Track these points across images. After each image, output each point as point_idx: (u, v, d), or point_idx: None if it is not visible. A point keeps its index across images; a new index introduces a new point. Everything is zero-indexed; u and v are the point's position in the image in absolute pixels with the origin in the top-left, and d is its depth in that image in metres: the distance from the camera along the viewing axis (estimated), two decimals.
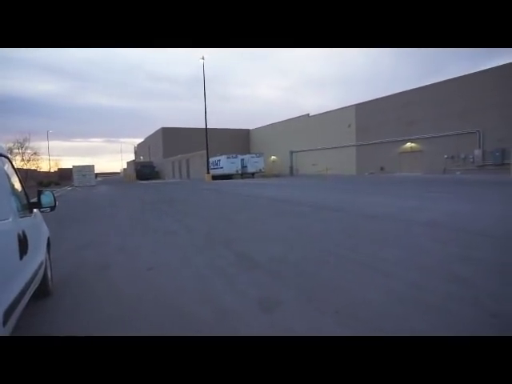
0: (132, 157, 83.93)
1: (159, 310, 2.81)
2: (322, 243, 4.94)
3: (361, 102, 36.10)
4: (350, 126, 36.48)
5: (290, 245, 4.93)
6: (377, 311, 2.60)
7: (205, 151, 38.03)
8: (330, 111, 39.90)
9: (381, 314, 2.55)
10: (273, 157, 49.47)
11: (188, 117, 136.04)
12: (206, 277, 3.65)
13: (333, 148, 38.70)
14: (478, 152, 24.63)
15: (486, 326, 2.30)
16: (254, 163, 39.61)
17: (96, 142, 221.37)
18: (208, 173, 36.65)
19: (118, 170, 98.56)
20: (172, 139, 55.26)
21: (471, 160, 25.06)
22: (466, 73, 26.77)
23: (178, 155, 51.61)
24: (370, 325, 2.39)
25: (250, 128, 58.76)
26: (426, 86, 29.23)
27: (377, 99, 33.91)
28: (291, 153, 44.07)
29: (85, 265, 4.33)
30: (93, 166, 35.22)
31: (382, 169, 32.64)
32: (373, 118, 33.80)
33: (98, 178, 53.91)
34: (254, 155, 41.03)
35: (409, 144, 30.29)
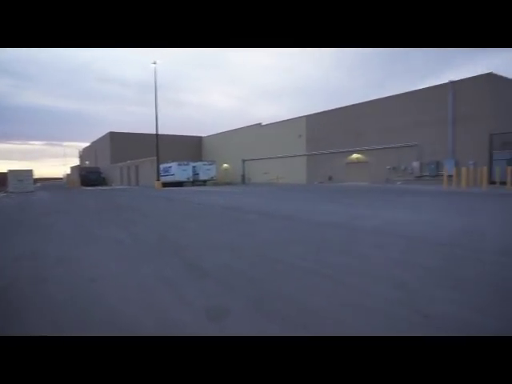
0: (76, 162, 79.64)
1: (102, 324, 2.64)
2: (271, 251, 4.99)
3: (311, 113, 37.29)
4: (300, 136, 37.51)
5: (239, 253, 4.92)
6: (323, 316, 2.65)
7: (155, 157, 37.04)
8: (282, 121, 40.78)
9: (327, 318, 2.61)
10: (225, 165, 49.46)
11: (138, 122, 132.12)
12: (153, 287, 3.52)
13: (284, 157, 39.51)
14: (416, 164, 26.46)
15: (417, 325, 2.44)
16: (206, 171, 39.28)
17: (36, 144, 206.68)
18: (158, 180, 35.68)
19: (61, 176, 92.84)
20: (120, 144, 53.21)
21: (410, 171, 26.86)
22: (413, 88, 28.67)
23: (127, 161, 49.77)
24: (316, 328, 2.43)
25: (203, 135, 58.32)
26: (371, 100, 30.95)
27: (326, 111, 35.26)
28: (243, 161, 44.33)
29: (19, 278, 3.99)
30: (31, 170, 32.84)
31: (330, 178, 33.87)
32: (322, 129, 35.07)
33: (38, 184, 50.37)
34: (206, 163, 40.72)
35: (355, 155, 31.77)
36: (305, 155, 37.18)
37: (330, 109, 34.85)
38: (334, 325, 2.51)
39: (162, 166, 38.45)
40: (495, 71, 24.00)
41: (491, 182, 21.18)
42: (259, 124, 44.73)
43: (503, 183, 19.36)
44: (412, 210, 9.79)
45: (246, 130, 46.33)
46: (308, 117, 37.14)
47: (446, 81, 25.57)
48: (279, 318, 2.64)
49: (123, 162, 51.03)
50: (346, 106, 32.99)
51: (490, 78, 23.70)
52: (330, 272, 3.83)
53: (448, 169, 22.69)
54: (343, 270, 3.89)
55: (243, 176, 44.15)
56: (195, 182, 38.16)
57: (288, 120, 39.81)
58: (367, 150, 30.57)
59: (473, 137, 23.68)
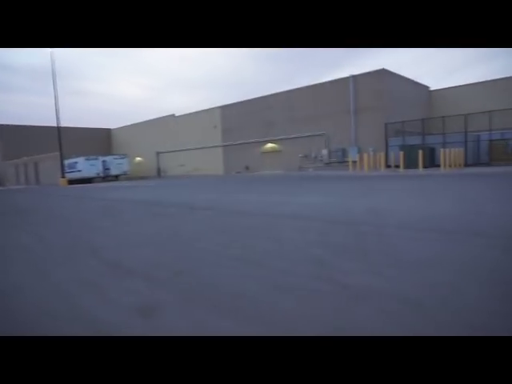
0: None
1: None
2: (196, 242, 5.00)
3: (226, 104, 37.46)
4: (215, 127, 37.51)
5: (162, 247, 4.83)
6: (255, 299, 2.78)
7: (58, 153, 33.75)
8: (197, 112, 40.27)
9: (259, 301, 2.75)
10: (138, 158, 47.23)
11: (35, 114, 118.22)
12: (72, 292, 3.30)
13: (200, 148, 39.18)
14: (325, 151, 28.48)
15: (339, 295, 2.72)
16: (117, 165, 37.09)
17: None
18: (63, 177, 32.67)
19: None
20: (14, 139, 47.30)
21: (320, 158, 28.82)
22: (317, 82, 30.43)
23: (23, 158, 44.49)
24: (249, 313, 2.55)
25: (112, 127, 54.72)
26: (282, 92, 32.22)
27: (240, 102, 35.74)
28: (158, 154, 42.81)
29: None
30: None
31: (247, 168, 34.60)
32: (237, 119, 35.52)
33: None
34: (117, 156, 38.41)
35: (270, 145, 32.91)
36: (221, 146, 37.34)
37: (243, 100, 35.39)
38: (267, 305, 2.65)
39: (66, 162, 35.23)
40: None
41: (388, 166, 23.80)
42: (173, 115, 43.54)
43: (397, 166, 21.90)
44: (324, 195, 10.57)
45: (160, 121, 44.74)
46: (222, 107, 37.25)
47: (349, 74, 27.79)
48: (211, 306, 2.70)
49: (19, 158, 45.51)
50: (259, 97, 33.86)
51: (384, 73, 26.39)
52: (257, 257, 4.00)
53: (352, 155, 24.88)
54: (268, 254, 4.09)
55: (158, 169, 42.73)
56: (106, 177, 35.78)
57: (202, 111, 39.45)
58: (280, 139, 31.89)
59: (372, 126, 26.26)
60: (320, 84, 29.20)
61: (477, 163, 23.20)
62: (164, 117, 44.16)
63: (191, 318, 2.52)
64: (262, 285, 3.08)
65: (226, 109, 36.75)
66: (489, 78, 30.09)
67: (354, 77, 27.08)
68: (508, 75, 29.16)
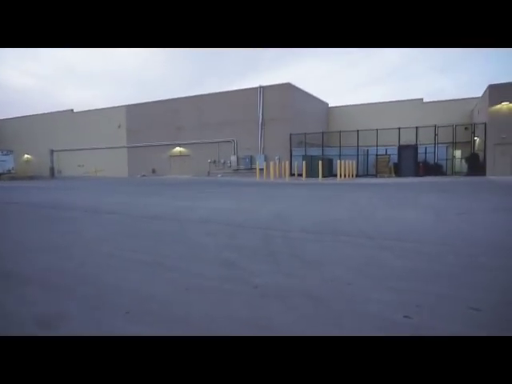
0: None
1: None
2: (101, 247, 4.73)
3: (132, 103, 35.75)
4: (120, 126, 35.50)
5: (65, 253, 4.47)
6: (166, 301, 2.78)
7: None
8: (99, 109, 37.60)
9: (171, 303, 2.75)
10: (27, 155, 42.08)
11: None
12: None
13: (103, 148, 36.60)
14: (233, 158, 29.08)
15: (251, 296, 2.89)
16: (0, 162, 32.55)
17: None
18: None
19: None
20: None
21: (229, 165, 29.34)
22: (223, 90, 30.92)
23: None
24: (160, 317, 2.55)
25: None
26: (194, 96, 32.02)
27: (148, 102, 34.46)
28: (52, 152, 38.67)
29: None
30: None
31: (153, 171, 33.42)
32: (144, 120, 34.13)
33: None
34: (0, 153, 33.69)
35: (178, 148, 32.34)
36: (126, 147, 35.43)
37: (151, 100, 34.21)
38: (178, 307, 2.68)
39: None
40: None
41: (292, 174, 25.36)
42: (71, 110, 39.89)
43: (300, 175, 23.48)
44: (233, 200, 10.84)
45: (55, 116, 40.58)
46: (128, 107, 35.46)
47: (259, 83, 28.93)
48: (119, 310, 2.62)
49: None
50: (168, 99, 33.11)
51: (289, 87, 28.13)
52: (168, 261, 3.96)
53: (259, 163, 25.89)
54: (178, 258, 4.09)
55: (52, 169, 38.61)
56: None
57: (106, 108, 37.00)
58: (189, 143, 31.59)
59: (278, 136, 27.71)
60: (231, 92, 29.88)
61: (366, 174, 26.22)
62: (60, 112, 40.17)
63: (99, 324, 2.42)
64: (175, 288, 3.09)
65: (132, 108, 35.07)
66: (380, 100, 34.58)
67: (262, 88, 28.38)
68: (394, 99, 33.92)
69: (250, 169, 27.81)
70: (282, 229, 5.82)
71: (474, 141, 25.68)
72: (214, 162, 29.99)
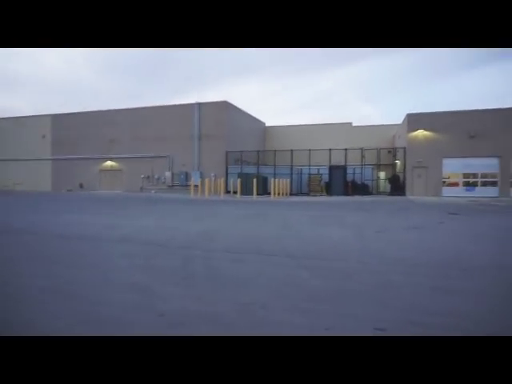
0: None
1: None
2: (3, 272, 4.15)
3: (59, 112, 33.43)
4: (44, 136, 32.90)
5: None
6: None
7: None
8: (21, 117, 34.58)
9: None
10: None
11: None
12: None
13: (23, 160, 33.52)
14: (168, 174, 28.30)
15: (153, 326, 2.65)
16: None
17: None
18: None
19: None
20: None
21: (163, 181, 28.46)
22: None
23: None
24: None
25: None
26: (127, 108, 30.83)
27: (77, 113, 32.49)
28: None
29: None
30: None
31: (81, 186, 31.30)
32: (72, 131, 32.02)
33: None
34: None
35: (109, 162, 30.71)
36: (50, 159, 32.82)
37: (81, 111, 32.29)
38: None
39: None
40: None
41: (227, 192, 25.29)
42: None
43: (235, 192, 23.50)
44: (161, 218, 10.40)
45: None
46: (54, 116, 33.08)
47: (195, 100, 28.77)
48: None
49: None
50: (100, 111, 31.52)
51: (226, 105, 28.37)
52: (69, 288, 3.56)
53: (194, 179, 25.49)
54: (84, 284, 3.69)
55: None
56: None
57: (29, 117, 34.12)
58: (122, 157, 30.18)
59: (214, 153, 27.61)
60: (168, 106, 29.29)
61: (299, 193, 27.08)
62: None
63: None
64: (69, 320, 2.74)
65: (58, 118, 32.70)
66: (313, 123, 36.36)
67: (199, 104, 28.28)
68: (324, 122, 35.91)
69: (185, 185, 27.23)
70: (206, 248, 5.63)
71: (396, 163, 27.92)
72: (148, 177, 28.89)
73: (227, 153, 27.71)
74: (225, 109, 28.19)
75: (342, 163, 26.45)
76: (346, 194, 24.57)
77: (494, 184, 22.88)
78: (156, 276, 4.00)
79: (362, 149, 27.21)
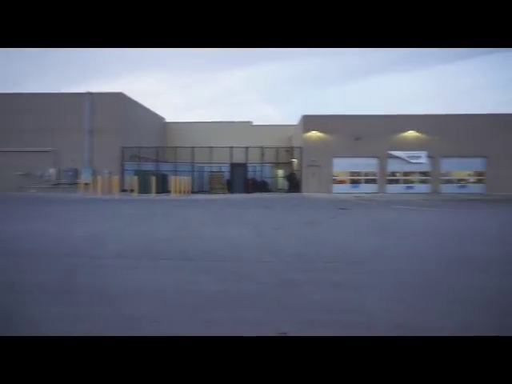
0: None
1: None
2: None
3: None
4: None
5: None
6: None
7: None
8: None
9: None
10: None
11: None
12: None
13: None
14: (52, 170, 25.18)
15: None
16: None
17: None
18: None
19: None
20: None
21: (47, 178, 25.21)
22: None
23: None
24: None
25: None
26: (2, 94, 26.51)
27: None
28: None
29: None
30: None
31: None
32: None
33: None
34: None
35: None
36: None
37: None
38: None
39: None
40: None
41: (123, 190, 23.60)
42: None
43: (132, 190, 22.05)
44: (41, 221, 9.06)
45: None
46: None
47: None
48: None
49: None
50: None
51: (122, 97, 26.44)
52: None
53: (85, 177, 23.19)
54: None
55: None
56: None
57: None
58: None
59: (108, 148, 25.48)
60: (54, 94, 25.93)
61: (201, 191, 26.68)
62: None
63: None
64: None
65: None
66: (215, 120, 36.11)
67: (91, 94, 25.67)
68: (227, 120, 36.07)
69: (75, 183, 24.52)
70: (95, 255, 4.98)
71: (293, 162, 29.53)
72: (27, 174, 25.22)
73: (123, 148, 25.89)
74: (120, 101, 26.25)
75: (243, 161, 26.92)
76: (247, 191, 25.08)
77: (374, 181, 25.80)
78: (24, 293, 3.32)
79: (261, 147, 28.08)
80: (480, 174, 25.47)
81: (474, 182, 25.73)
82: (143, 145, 27.44)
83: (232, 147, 27.38)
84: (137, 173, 22.90)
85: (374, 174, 25.80)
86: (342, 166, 25.90)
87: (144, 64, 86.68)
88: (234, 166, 26.29)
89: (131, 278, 3.93)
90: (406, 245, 5.97)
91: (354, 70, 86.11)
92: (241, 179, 25.81)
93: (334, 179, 26.01)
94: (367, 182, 25.95)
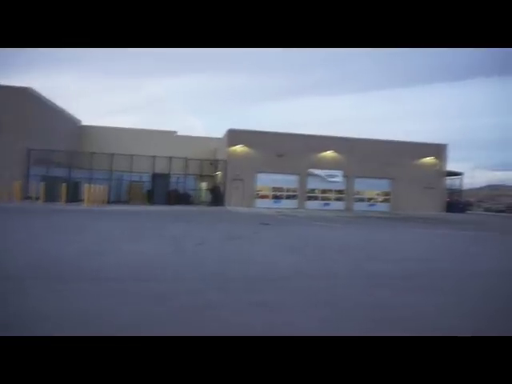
0: None
1: None
2: None
3: None
4: None
5: None
6: None
7: None
8: None
9: None
10: None
11: None
12: None
13: None
14: None
15: None
16: None
17: None
18: None
19: None
20: None
21: None
22: None
23: None
24: None
25: None
26: None
27: None
28: None
29: None
30: None
31: None
32: None
33: None
34: None
35: None
36: None
37: None
38: None
39: None
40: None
41: (28, 197, 21.09)
42: None
43: (37, 198, 19.81)
44: None
45: None
46: None
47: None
48: None
49: None
50: None
51: (29, 93, 23.90)
52: None
53: None
54: None
55: None
56: None
57: None
58: None
59: (10, 149, 22.64)
60: None
61: (118, 201, 24.97)
62: None
63: None
64: None
65: None
66: (137, 127, 34.29)
67: None
68: (149, 128, 34.54)
69: None
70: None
71: (217, 175, 29.37)
72: None
73: (29, 151, 23.26)
74: (27, 97, 23.63)
75: (166, 171, 26.02)
76: (169, 203, 24.19)
77: (294, 197, 26.82)
78: None
79: (185, 158, 27.46)
80: (386, 194, 28.10)
81: (381, 201, 28.25)
82: (55, 148, 24.97)
83: (155, 156, 26.35)
84: (44, 178, 20.67)
85: (295, 191, 26.84)
86: (265, 181, 26.48)
87: (63, 62, 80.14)
88: (155, 176, 25.26)
89: (16, 303, 3.35)
90: (317, 261, 6.15)
91: (277, 91, 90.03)
92: (163, 190, 24.86)
93: (257, 194, 26.43)
94: (288, 197, 26.87)
